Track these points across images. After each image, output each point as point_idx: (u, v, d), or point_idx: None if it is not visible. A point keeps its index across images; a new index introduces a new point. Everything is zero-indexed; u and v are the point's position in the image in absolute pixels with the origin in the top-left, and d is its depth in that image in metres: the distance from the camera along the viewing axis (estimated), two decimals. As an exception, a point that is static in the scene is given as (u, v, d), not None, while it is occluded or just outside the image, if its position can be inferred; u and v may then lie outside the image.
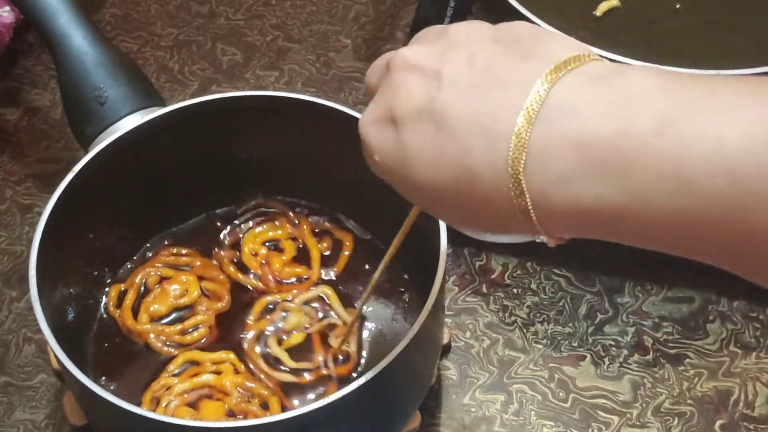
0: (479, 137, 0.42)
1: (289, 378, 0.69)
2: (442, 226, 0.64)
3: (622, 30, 0.83)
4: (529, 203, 0.41)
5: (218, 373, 0.69)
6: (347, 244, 0.76)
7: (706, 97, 0.38)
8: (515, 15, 0.76)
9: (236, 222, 0.77)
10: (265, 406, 0.68)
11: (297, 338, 0.71)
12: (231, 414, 0.67)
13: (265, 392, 0.68)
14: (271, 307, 0.73)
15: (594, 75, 0.41)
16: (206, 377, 0.68)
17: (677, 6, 0.84)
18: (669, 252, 0.41)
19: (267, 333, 0.71)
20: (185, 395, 0.68)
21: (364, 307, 0.71)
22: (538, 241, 0.44)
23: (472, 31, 0.46)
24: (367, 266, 0.74)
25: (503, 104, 0.41)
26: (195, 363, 0.70)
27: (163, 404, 0.67)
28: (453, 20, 0.91)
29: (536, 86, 0.41)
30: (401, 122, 0.45)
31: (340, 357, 0.70)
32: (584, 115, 0.39)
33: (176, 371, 0.70)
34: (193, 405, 0.68)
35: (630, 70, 0.40)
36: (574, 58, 0.41)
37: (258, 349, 0.70)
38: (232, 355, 0.70)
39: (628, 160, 0.38)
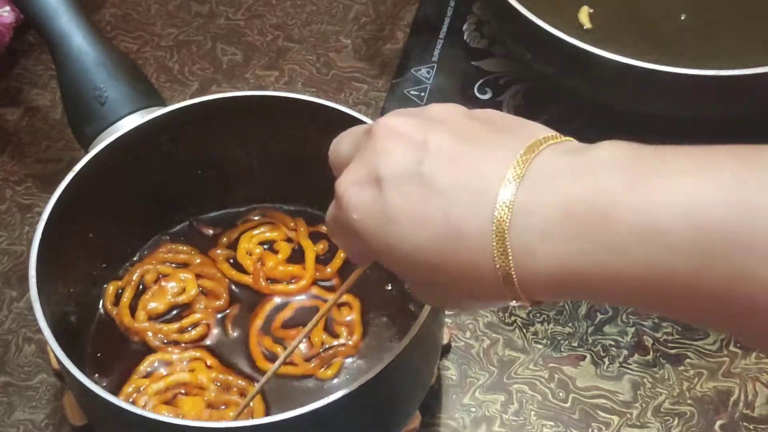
0: (465, 199, 0.44)
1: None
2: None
3: (622, 30, 0.83)
4: (511, 261, 0.43)
5: (191, 370, 0.69)
6: None
7: (670, 161, 0.41)
8: (515, 14, 0.76)
9: (236, 223, 0.77)
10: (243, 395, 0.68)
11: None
12: (210, 407, 0.67)
13: (242, 382, 0.68)
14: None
15: (569, 149, 0.44)
16: (180, 375, 0.68)
17: (683, 17, 0.84)
18: (657, 313, 0.43)
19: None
20: (161, 394, 0.68)
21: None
22: (512, 305, 0.46)
23: (450, 109, 0.48)
24: (368, 281, 0.74)
25: (489, 169, 0.44)
26: (166, 363, 0.70)
27: (141, 405, 0.67)
28: (453, 20, 0.91)
29: (519, 154, 0.44)
30: (386, 182, 0.46)
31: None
32: (562, 180, 0.43)
33: (146, 372, 0.69)
34: (170, 404, 0.68)
35: (600, 144, 0.44)
36: (551, 136, 0.45)
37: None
38: (198, 354, 0.70)
39: (603, 216, 0.41)
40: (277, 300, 0.73)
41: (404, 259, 0.46)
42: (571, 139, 0.46)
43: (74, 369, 0.59)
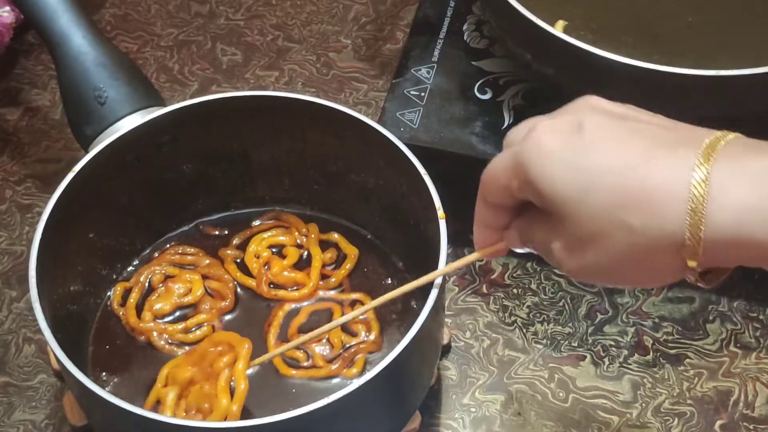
0: (662, 148, 0.47)
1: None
2: (442, 226, 0.64)
3: (623, 31, 0.83)
4: (706, 193, 0.45)
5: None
6: (351, 257, 0.75)
7: None
8: (515, 14, 0.76)
9: (250, 224, 0.77)
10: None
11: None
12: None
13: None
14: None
15: (746, 141, 0.48)
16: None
17: (689, 19, 0.84)
18: None
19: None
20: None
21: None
22: (692, 280, 0.47)
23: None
24: (368, 277, 0.75)
25: (678, 156, 0.46)
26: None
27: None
28: (453, 20, 0.91)
29: (705, 144, 0.46)
30: (587, 122, 0.49)
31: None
32: (750, 162, 0.46)
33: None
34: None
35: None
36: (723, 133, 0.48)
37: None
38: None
39: None
40: (288, 306, 0.73)
41: (585, 188, 0.47)
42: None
43: (74, 369, 0.59)
